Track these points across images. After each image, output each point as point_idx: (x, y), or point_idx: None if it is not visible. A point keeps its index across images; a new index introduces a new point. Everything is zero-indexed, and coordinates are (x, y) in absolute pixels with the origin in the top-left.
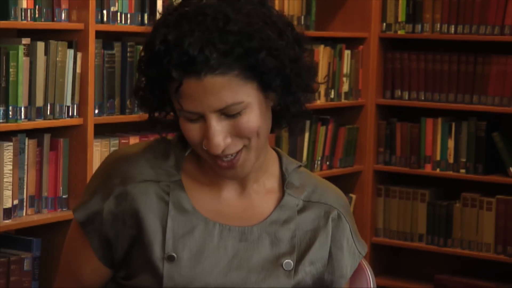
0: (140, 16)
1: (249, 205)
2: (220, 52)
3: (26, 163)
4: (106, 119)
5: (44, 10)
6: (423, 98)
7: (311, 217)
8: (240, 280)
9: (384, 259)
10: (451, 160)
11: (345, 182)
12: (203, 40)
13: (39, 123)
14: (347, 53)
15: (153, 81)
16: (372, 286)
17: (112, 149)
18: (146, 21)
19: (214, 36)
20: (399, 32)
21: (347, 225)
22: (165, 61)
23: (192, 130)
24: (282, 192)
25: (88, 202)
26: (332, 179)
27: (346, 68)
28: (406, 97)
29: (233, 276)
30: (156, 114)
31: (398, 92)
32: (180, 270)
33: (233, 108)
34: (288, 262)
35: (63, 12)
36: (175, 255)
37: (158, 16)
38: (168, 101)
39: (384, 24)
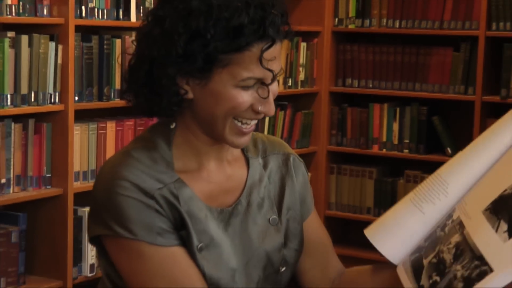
0: (115, 11)
1: (230, 174)
2: (280, 23)
3: (12, 145)
4: (85, 105)
5: (28, 6)
6: (371, 86)
7: (274, 169)
8: (249, 252)
9: (336, 230)
10: (395, 142)
11: None
12: (274, 13)
13: (24, 109)
14: (303, 45)
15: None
16: None
17: (91, 133)
18: (121, 16)
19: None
20: (350, 27)
21: (301, 163)
22: (251, 30)
23: (245, 97)
24: (245, 157)
25: (139, 221)
26: None
27: (302, 59)
28: (356, 85)
29: (252, 247)
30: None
31: (349, 81)
32: (208, 258)
33: (278, 74)
34: (274, 218)
35: (45, 7)
36: (203, 245)
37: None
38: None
39: (336, 19)
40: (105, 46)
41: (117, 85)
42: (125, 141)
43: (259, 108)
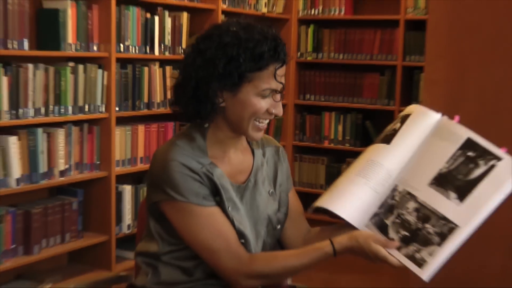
0: (144, 47)
1: (242, 160)
2: (285, 50)
3: (72, 142)
4: (123, 114)
5: (83, 44)
6: (323, 100)
7: (269, 157)
8: (257, 215)
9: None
10: (340, 138)
11: None
12: (282, 43)
13: (80, 116)
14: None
15: (227, 78)
16: None
17: (127, 133)
18: (148, 51)
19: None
20: (308, 58)
21: (286, 154)
22: (270, 55)
23: (263, 103)
24: (250, 148)
25: (189, 189)
26: None
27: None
28: (313, 99)
29: (259, 211)
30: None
31: (307, 96)
32: (235, 216)
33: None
34: (272, 191)
35: (95, 45)
36: (230, 208)
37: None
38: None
39: (299, 53)
40: (136, 72)
41: (145, 99)
42: (151, 139)
43: (273, 111)
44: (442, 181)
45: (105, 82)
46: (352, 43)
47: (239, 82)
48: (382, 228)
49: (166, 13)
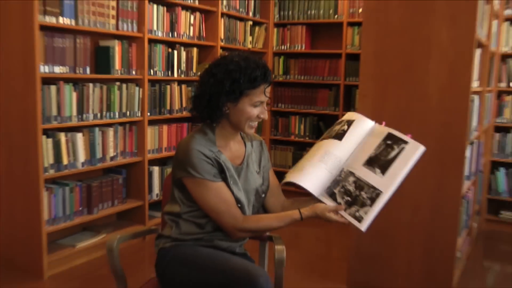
0: (167, 72)
1: (238, 148)
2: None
3: (118, 137)
4: (152, 117)
5: (125, 69)
6: (290, 107)
7: (255, 148)
8: (248, 187)
9: None
10: (302, 134)
11: None
12: (268, 68)
13: (123, 119)
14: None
15: (231, 93)
16: None
17: (156, 131)
18: (169, 74)
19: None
20: (280, 79)
21: (266, 145)
22: (261, 78)
23: (255, 110)
24: (243, 140)
25: (204, 169)
26: None
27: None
28: (283, 107)
29: (250, 184)
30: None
31: (280, 105)
32: (235, 188)
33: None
34: (258, 170)
35: (133, 70)
36: (232, 182)
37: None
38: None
39: (274, 75)
40: (162, 89)
41: (168, 107)
42: (172, 135)
43: (261, 116)
44: (371, 162)
45: (140, 96)
46: (310, 69)
47: (239, 97)
48: (332, 195)
49: (182, 48)
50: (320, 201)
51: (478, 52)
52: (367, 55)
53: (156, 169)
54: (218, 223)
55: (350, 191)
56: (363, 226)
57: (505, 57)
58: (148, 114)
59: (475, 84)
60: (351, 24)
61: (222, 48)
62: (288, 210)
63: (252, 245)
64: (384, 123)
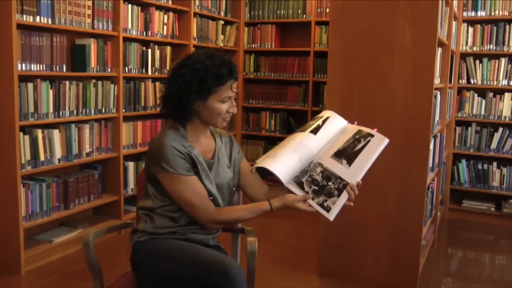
0: (141, 70)
1: (209, 143)
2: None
3: (94, 133)
4: (128, 114)
5: (101, 67)
6: (261, 103)
7: (225, 143)
8: (219, 181)
9: None
10: (272, 129)
11: None
12: (234, 64)
13: (99, 116)
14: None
15: (199, 91)
16: None
17: (130, 127)
18: (143, 72)
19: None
20: (251, 76)
21: (235, 139)
22: (227, 75)
23: (224, 106)
24: (212, 136)
25: (178, 164)
26: None
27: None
28: (254, 103)
29: (221, 178)
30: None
31: (251, 101)
32: (207, 182)
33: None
34: (228, 164)
35: (109, 68)
36: (204, 176)
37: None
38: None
39: (244, 72)
40: (136, 86)
41: (142, 103)
42: (147, 131)
43: (231, 110)
44: (339, 154)
45: (115, 93)
46: (279, 66)
47: (207, 94)
48: (300, 184)
49: (156, 47)
50: (291, 192)
51: (439, 51)
52: (334, 53)
53: (131, 164)
54: (192, 216)
55: (318, 180)
56: (331, 216)
57: (464, 55)
58: (123, 110)
59: (437, 81)
60: (319, 23)
61: (195, 46)
62: (272, 198)
63: (225, 238)
64: (356, 122)
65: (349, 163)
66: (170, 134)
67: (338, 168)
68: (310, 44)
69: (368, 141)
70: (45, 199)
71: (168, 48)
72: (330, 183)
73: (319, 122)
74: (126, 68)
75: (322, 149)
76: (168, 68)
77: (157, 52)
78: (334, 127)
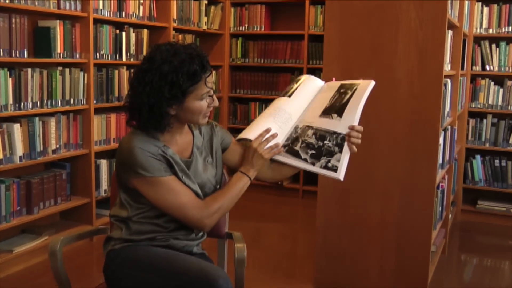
0: (115, 55)
1: (185, 140)
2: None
3: (62, 127)
4: (99, 105)
5: (68, 52)
6: (249, 93)
7: (205, 133)
8: (200, 180)
9: None
10: None
11: None
12: (205, 56)
13: (67, 108)
14: (214, 72)
15: (175, 92)
16: None
17: (103, 120)
18: (117, 58)
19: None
20: (238, 62)
21: (217, 125)
22: (200, 70)
23: (203, 103)
24: (190, 129)
25: (153, 166)
26: None
27: (213, 78)
28: (242, 93)
29: (202, 177)
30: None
31: (238, 90)
32: (187, 181)
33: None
34: (210, 160)
35: (77, 54)
36: (183, 176)
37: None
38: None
39: (231, 58)
40: (109, 74)
41: (116, 93)
42: (121, 124)
43: (212, 104)
44: (327, 111)
45: (85, 82)
46: (270, 51)
47: (183, 97)
48: (295, 153)
49: (131, 29)
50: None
51: (449, 34)
52: (331, 37)
53: (104, 163)
54: (182, 218)
55: (312, 143)
56: (341, 175)
57: (478, 39)
58: (95, 101)
59: (447, 68)
60: (314, 3)
61: (175, 29)
62: (276, 169)
63: (211, 244)
64: (334, 78)
65: (340, 115)
66: (139, 135)
67: (330, 123)
68: (304, 27)
69: (355, 89)
70: (4, 203)
71: (145, 31)
72: (326, 142)
73: (294, 85)
74: (98, 54)
75: (305, 111)
76: (145, 53)
77: (133, 36)
78: (311, 87)
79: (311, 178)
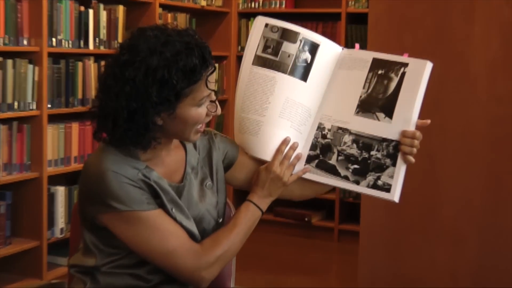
0: (78, 42)
1: (175, 159)
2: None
3: (0, 141)
4: (55, 111)
5: (12, 38)
6: None
7: (201, 146)
8: (196, 211)
9: None
10: None
11: None
12: (205, 44)
13: (9, 114)
14: (216, 65)
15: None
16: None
17: (60, 131)
18: (82, 45)
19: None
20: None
21: (217, 133)
22: (200, 66)
23: (202, 110)
24: (181, 143)
25: (130, 197)
26: None
27: (215, 75)
28: None
29: (200, 208)
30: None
31: None
32: (179, 216)
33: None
34: (209, 183)
35: (25, 39)
36: (173, 208)
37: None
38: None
39: (239, 47)
40: (70, 67)
41: (79, 95)
42: (86, 137)
43: (212, 111)
44: (366, 106)
45: (36, 78)
46: None
47: (176, 101)
48: (330, 169)
49: (101, 6)
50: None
51: None
52: (379, 16)
53: (60, 191)
54: (170, 269)
55: (354, 155)
56: (395, 196)
57: None
58: (49, 106)
59: None
60: None
61: (162, 6)
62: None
63: None
64: (357, 45)
65: (389, 114)
66: (111, 153)
67: (376, 126)
68: (341, 3)
69: (403, 74)
70: None
71: (120, 9)
72: (373, 152)
73: (305, 54)
74: (54, 40)
75: (322, 102)
76: (120, 40)
77: (103, 15)
78: (328, 57)
79: (351, 213)
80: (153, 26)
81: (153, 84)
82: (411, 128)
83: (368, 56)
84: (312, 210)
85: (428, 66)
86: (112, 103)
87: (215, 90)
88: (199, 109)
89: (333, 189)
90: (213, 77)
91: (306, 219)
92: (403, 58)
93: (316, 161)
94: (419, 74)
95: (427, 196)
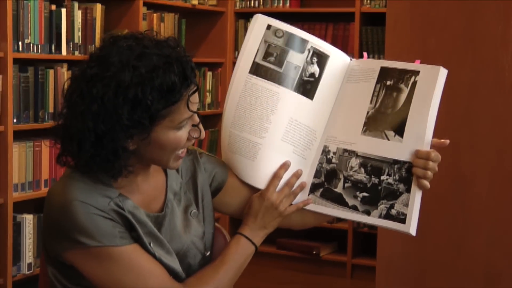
0: (48, 46)
1: (154, 185)
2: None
3: None
4: (22, 126)
5: None
6: None
7: (185, 168)
8: (179, 244)
9: None
10: None
11: None
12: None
13: None
14: (209, 74)
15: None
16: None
17: (28, 150)
18: (53, 50)
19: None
20: None
21: (202, 152)
22: (181, 83)
23: (183, 134)
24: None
25: (100, 230)
26: None
27: (208, 85)
28: None
29: (183, 240)
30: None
31: None
32: (159, 251)
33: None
34: (194, 212)
35: None
36: (151, 242)
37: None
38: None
39: (237, 52)
40: (39, 76)
41: (51, 108)
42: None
43: (194, 136)
44: (374, 124)
45: (0, 89)
46: None
47: (151, 125)
48: (335, 199)
49: (76, 4)
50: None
51: None
52: (398, 17)
53: (28, 219)
54: None
55: (362, 181)
56: (411, 228)
57: None
58: (14, 121)
59: None
60: None
61: (147, 4)
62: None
63: None
64: (365, 54)
65: (399, 132)
66: (78, 180)
67: (385, 147)
68: (355, 2)
69: (414, 84)
70: None
71: (98, 8)
72: (384, 177)
73: (313, 67)
74: (20, 44)
75: (328, 122)
76: (97, 44)
77: (78, 15)
78: (338, 74)
79: (366, 245)
80: (127, 35)
81: (124, 104)
82: (425, 147)
83: (376, 65)
84: (321, 242)
85: (442, 73)
86: (77, 123)
87: (198, 111)
88: (179, 133)
89: None
90: (196, 97)
91: (314, 252)
92: (414, 65)
93: (321, 189)
94: (431, 83)
95: (455, 226)
